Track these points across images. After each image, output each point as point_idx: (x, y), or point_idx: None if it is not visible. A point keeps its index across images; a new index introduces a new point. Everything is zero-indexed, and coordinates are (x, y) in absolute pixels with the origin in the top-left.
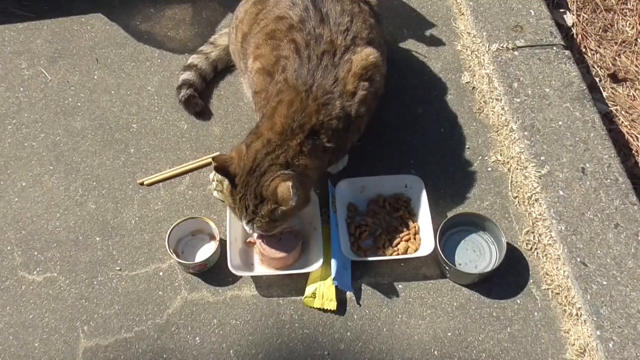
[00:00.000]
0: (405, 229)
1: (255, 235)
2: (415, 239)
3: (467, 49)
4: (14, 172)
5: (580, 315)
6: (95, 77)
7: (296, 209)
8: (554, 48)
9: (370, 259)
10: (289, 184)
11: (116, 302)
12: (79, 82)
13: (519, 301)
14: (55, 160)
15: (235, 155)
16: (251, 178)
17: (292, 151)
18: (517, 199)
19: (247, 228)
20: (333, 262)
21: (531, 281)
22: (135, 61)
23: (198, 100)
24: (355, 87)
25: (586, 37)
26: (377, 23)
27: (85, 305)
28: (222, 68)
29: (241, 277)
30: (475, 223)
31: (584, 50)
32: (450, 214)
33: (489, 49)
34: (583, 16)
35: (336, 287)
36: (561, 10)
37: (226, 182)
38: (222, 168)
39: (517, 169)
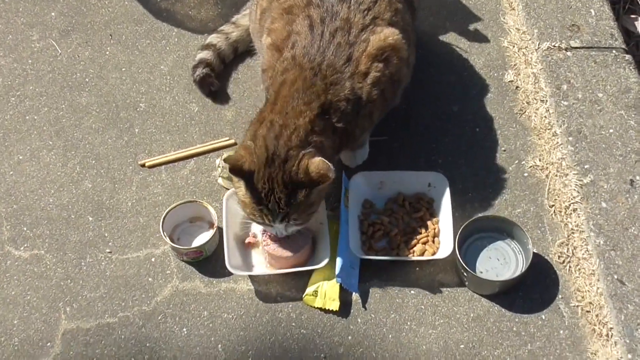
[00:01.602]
0: (423, 231)
1: (259, 235)
2: (433, 241)
3: (514, 46)
4: (11, 145)
5: (611, 337)
6: (107, 53)
7: (329, 185)
8: (613, 52)
9: (380, 258)
10: (319, 158)
11: (103, 285)
12: (89, 57)
13: (543, 317)
14: (55, 135)
15: (244, 152)
16: (273, 169)
17: (302, 130)
18: (554, 208)
19: (278, 229)
20: (338, 259)
21: (560, 296)
22: (151, 39)
23: (214, 79)
24: (367, 68)
25: None
26: (408, 10)
27: (70, 286)
28: (243, 50)
29: None
30: (501, 229)
31: None
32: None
33: (538, 47)
34: None
35: (341, 286)
36: (633, 16)
37: (241, 185)
38: (238, 168)
39: (557, 175)
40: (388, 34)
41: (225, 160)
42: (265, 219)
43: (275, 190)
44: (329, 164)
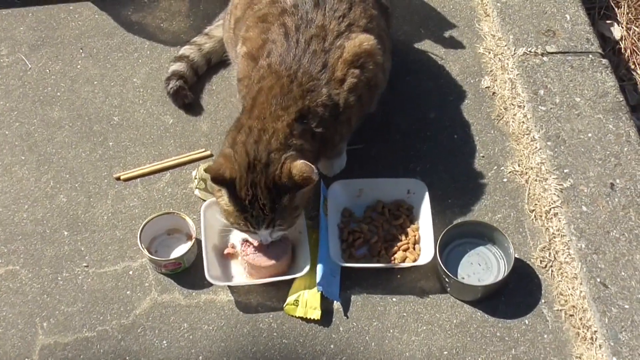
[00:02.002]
0: (404, 238)
1: (238, 245)
2: (414, 248)
3: (489, 52)
4: None
5: (596, 340)
6: (79, 66)
7: (313, 187)
8: (590, 56)
9: (361, 265)
10: (302, 161)
11: (80, 299)
12: (60, 71)
13: (527, 322)
14: (28, 150)
15: (223, 160)
16: (255, 175)
17: (281, 134)
18: (534, 212)
19: (263, 235)
20: (319, 266)
21: (543, 301)
22: (122, 52)
23: (187, 92)
24: (344, 74)
25: (637, 53)
26: (383, 16)
27: (47, 301)
28: (217, 61)
29: None
30: (482, 234)
31: (632, 66)
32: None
33: (514, 53)
34: (634, 30)
35: (322, 295)
36: (608, 21)
37: (223, 194)
38: (219, 177)
39: (537, 180)
40: (363, 40)
41: (206, 170)
42: (250, 226)
43: (258, 197)
44: (312, 166)
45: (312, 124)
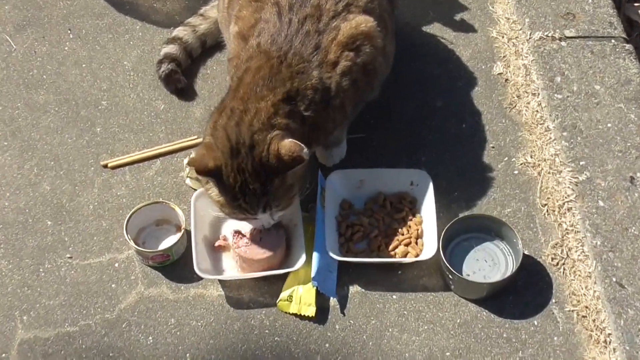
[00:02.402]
0: (406, 232)
1: (230, 238)
2: (417, 243)
3: (503, 36)
4: None
5: (610, 343)
6: (66, 48)
7: (303, 165)
8: (612, 41)
9: (359, 260)
10: (289, 140)
11: (62, 292)
12: (47, 53)
13: (536, 322)
14: (10, 135)
15: (204, 150)
16: (240, 159)
17: (264, 113)
18: (547, 207)
19: (263, 219)
20: (314, 260)
21: (553, 301)
22: (113, 33)
23: (180, 76)
24: (337, 57)
25: None
26: None
27: (27, 293)
28: (212, 44)
29: None
30: (489, 229)
31: None
32: None
33: (530, 37)
34: None
35: (317, 291)
36: (637, 4)
37: (211, 186)
38: (203, 168)
39: (550, 173)
40: (361, 21)
41: (189, 163)
42: (246, 213)
43: (248, 181)
44: (301, 144)
45: (301, 106)
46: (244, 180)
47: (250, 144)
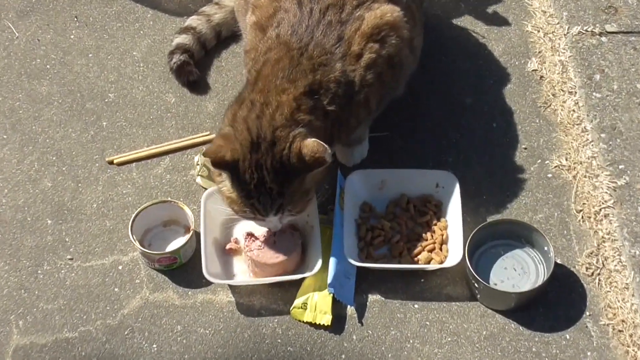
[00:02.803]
0: (430, 237)
1: (242, 240)
2: (441, 249)
3: (539, 31)
4: None
5: None
6: (72, 36)
7: (324, 169)
8: None
9: (379, 265)
10: (312, 139)
11: (62, 295)
12: (51, 41)
13: (568, 336)
14: (10, 128)
15: (222, 141)
16: (260, 155)
17: (287, 108)
18: (582, 213)
19: (272, 222)
20: (331, 265)
21: (587, 313)
22: (122, 21)
23: (193, 68)
24: (361, 49)
25: None
26: None
27: (24, 296)
28: (227, 35)
29: None
30: (518, 235)
31: None
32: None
33: (568, 32)
34: None
35: (333, 298)
36: None
37: (224, 179)
38: (220, 160)
39: (586, 177)
40: (386, 11)
41: (204, 154)
42: (257, 213)
43: (265, 180)
44: (325, 145)
45: (324, 100)
46: (261, 178)
47: (272, 140)
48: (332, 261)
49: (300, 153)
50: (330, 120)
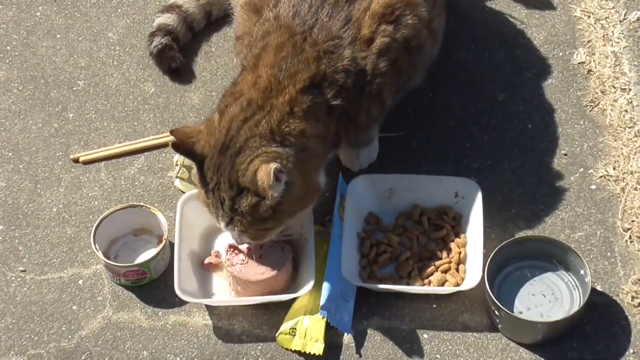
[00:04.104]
0: (445, 255)
1: (223, 250)
2: (457, 270)
3: (589, 16)
4: None
5: None
6: (38, 14)
7: (294, 203)
8: None
9: (383, 286)
10: (273, 165)
11: (10, 313)
12: (13, 18)
13: None
14: None
15: (204, 129)
16: (224, 159)
17: (277, 113)
18: (630, 232)
19: (231, 234)
20: (325, 285)
21: (631, 351)
22: None
23: (176, 53)
24: (372, 32)
25: None
26: None
27: None
28: (219, 16)
29: None
30: (550, 255)
31: None
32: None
33: (624, 18)
34: None
35: (327, 323)
36: None
37: (194, 168)
38: (184, 146)
39: (637, 189)
40: None
41: (171, 131)
42: (212, 216)
43: (221, 187)
44: (272, 176)
45: (328, 94)
46: (218, 184)
47: (239, 149)
48: (326, 280)
49: (254, 174)
50: (335, 117)
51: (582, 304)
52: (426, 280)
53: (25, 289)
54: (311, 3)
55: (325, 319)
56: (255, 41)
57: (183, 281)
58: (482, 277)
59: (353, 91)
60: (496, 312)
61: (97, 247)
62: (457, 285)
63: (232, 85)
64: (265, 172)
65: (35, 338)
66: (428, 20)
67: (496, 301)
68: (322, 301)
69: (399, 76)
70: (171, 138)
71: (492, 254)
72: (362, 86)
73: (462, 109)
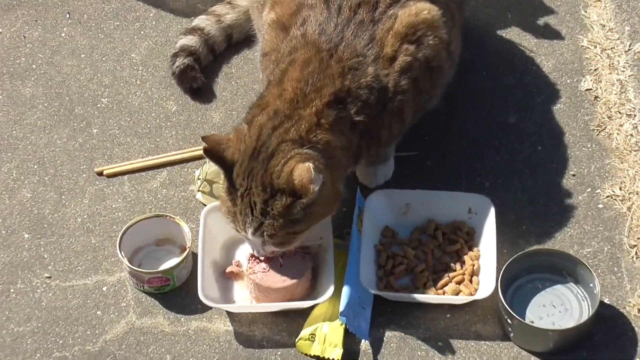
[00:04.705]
0: (459, 267)
1: (245, 259)
2: (471, 281)
3: (596, 46)
4: None
5: None
6: (63, 35)
7: (323, 204)
8: None
9: (399, 294)
10: (309, 164)
11: (36, 317)
12: (39, 38)
13: None
14: None
15: (234, 137)
16: (256, 163)
17: (305, 123)
18: (636, 249)
19: (255, 244)
20: (345, 292)
21: None
22: (120, 20)
23: (198, 73)
24: (395, 51)
25: None
26: None
27: None
28: (239, 39)
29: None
30: (560, 268)
31: None
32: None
33: (629, 49)
34: None
35: (345, 329)
36: None
37: (220, 178)
38: (215, 152)
39: None
40: (422, 8)
41: (204, 138)
42: (237, 225)
43: (252, 192)
44: (316, 174)
45: (352, 109)
46: (249, 189)
47: (272, 152)
48: (345, 288)
49: (290, 174)
50: (358, 132)
51: (591, 313)
52: (440, 291)
53: (50, 294)
54: (337, 22)
55: (344, 326)
56: (283, 57)
57: (206, 288)
58: (496, 287)
59: (376, 108)
60: (509, 320)
61: (122, 254)
62: (471, 295)
63: (259, 98)
64: (303, 169)
65: (60, 341)
66: (447, 42)
67: (508, 309)
68: (342, 307)
69: (419, 95)
70: (203, 144)
71: (505, 266)
72: (384, 103)
73: (476, 131)
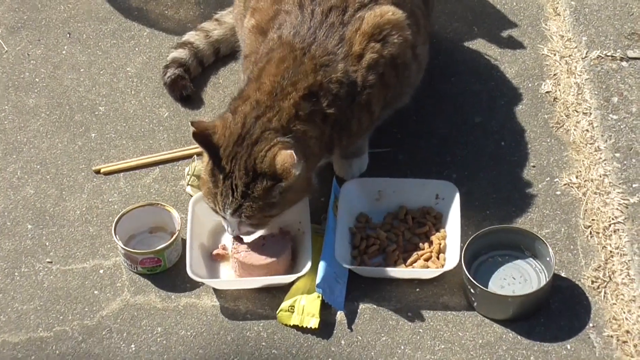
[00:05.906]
0: (427, 246)
1: (230, 243)
2: (438, 258)
3: (555, 54)
4: None
5: None
6: (64, 52)
7: (298, 191)
8: None
9: (371, 269)
10: (291, 151)
11: (38, 297)
12: (42, 56)
13: (569, 347)
14: None
15: (219, 124)
16: (240, 149)
17: (285, 114)
18: (590, 229)
19: (231, 224)
20: (321, 267)
21: (591, 325)
22: (117, 39)
23: (188, 82)
24: (362, 49)
25: None
26: None
27: None
28: (226, 53)
29: (202, 284)
30: (519, 244)
31: None
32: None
33: (586, 56)
34: None
35: (322, 302)
36: None
37: (202, 161)
38: (202, 136)
39: (597, 193)
40: (387, 10)
41: (192, 122)
42: (217, 206)
43: (234, 175)
44: (297, 159)
45: (324, 102)
46: (231, 171)
47: (256, 139)
48: (321, 263)
49: (273, 159)
50: (329, 123)
51: (548, 279)
52: (410, 267)
53: (51, 277)
54: (310, 25)
55: (320, 297)
56: (261, 57)
57: (194, 265)
58: (460, 260)
59: (346, 101)
60: (472, 290)
61: (117, 238)
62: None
63: (239, 92)
64: (286, 155)
65: (61, 317)
66: (412, 43)
67: (471, 278)
68: (318, 280)
69: (385, 89)
70: (191, 128)
71: (468, 241)
72: (353, 97)
73: (444, 130)
